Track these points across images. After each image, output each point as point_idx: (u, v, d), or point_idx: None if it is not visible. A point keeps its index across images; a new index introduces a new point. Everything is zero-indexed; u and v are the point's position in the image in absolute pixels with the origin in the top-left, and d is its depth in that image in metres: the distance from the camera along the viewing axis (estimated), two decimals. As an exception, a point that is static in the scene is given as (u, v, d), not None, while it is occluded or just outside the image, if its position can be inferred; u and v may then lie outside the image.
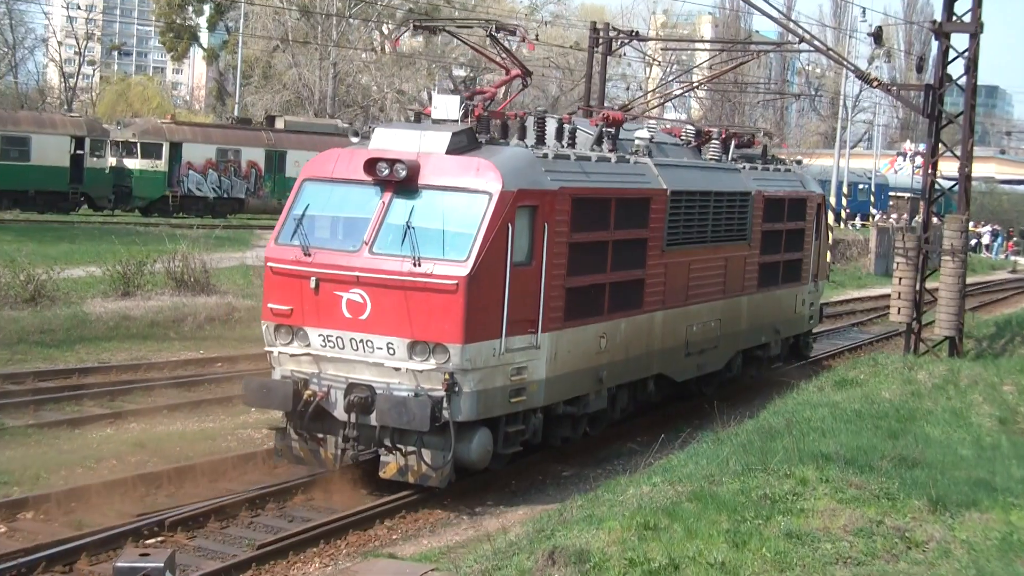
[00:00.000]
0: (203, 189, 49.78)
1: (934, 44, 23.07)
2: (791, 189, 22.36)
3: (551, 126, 16.08)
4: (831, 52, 26.81)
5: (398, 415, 13.36)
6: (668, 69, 75.57)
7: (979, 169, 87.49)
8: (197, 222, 42.15)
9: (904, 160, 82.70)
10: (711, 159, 20.16)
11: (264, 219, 50.35)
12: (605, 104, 36.75)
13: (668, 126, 21.03)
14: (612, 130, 17.27)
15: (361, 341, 13.72)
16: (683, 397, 19.90)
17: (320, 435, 14.25)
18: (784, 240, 22.05)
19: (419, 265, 13.49)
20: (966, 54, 22.48)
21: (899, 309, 22.30)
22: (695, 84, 33.76)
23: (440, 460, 13.68)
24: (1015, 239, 71.39)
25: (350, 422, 13.83)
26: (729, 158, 20.68)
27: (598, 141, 16.95)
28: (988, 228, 71.22)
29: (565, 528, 11.07)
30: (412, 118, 15.68)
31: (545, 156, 14.98)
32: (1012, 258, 65.92)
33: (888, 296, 24.81)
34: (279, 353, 14.22)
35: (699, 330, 18.82)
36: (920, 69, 27.90)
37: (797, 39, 23.50)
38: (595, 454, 16.95)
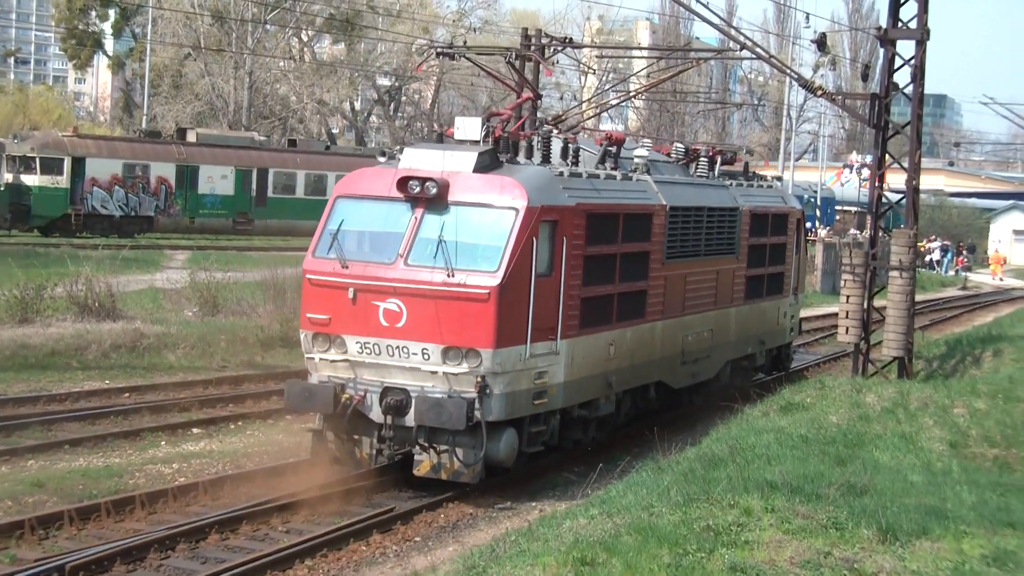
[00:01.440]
0: (109, 207, 49.19)
1: (880, 52, 23.44)
2: (773, 204, 24.37)
3: (556, 145, 18.09)
4: (774, 60, 27.13)
5: (436, 415, 15.17)
6: (604, 78, 76.17)
7: (928, 181, 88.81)
8: (102, 242, 41.55)
9: (851, 172, 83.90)
10: (698, 176, 22.01)
11: (175, 239, 49.88)
12: (538, 114, 36.83)
13: (654, 144, 22.93)
14: (614, 149, 19.15)
15: (397, 347, 15.58)
16: (673, 405, 21.46)
17: (356, 436, 15.97)
18: (768, 254, 24.03)
19: (452, 276, 15.41)
20: (912, 61, 22.85)
21: (847, 329, 22.56)
22: (632, 93, 33.96)
23: (472, 458, 15.52)
24: (964, 254, 72.56)
25: (386, 423, 15.63)
26: (715, 175, 22.58)
27: (602, 160, 18.86)
28: (938, 243, 72.36)
29: (497, 564, 11.03)
30: (435, 138, 17.49)
31: (561, 174, 17.05)
32: (962, 274, 66.98)
33: (835, 315, 25.09)
34: (318, 359, 15.95)
35: (693, 340, 20.81)
36: (865, 77, 28.43)
37: (739, 46, 23.76)
38: (530, 485, 16.96)
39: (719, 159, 22.89)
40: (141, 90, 71.87)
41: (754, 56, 25.80)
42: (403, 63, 78.62)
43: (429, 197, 15.82)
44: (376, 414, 15.74)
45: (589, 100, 52.82)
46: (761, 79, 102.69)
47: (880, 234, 23.94)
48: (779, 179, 25.91)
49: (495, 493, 16.38)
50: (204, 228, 52.17)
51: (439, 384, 15.45)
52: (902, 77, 23.23)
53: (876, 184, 23.40)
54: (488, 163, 16.33)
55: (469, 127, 16.86)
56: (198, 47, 68.39)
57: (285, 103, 74.71)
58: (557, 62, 54.88)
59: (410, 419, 15.58)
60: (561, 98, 72.30)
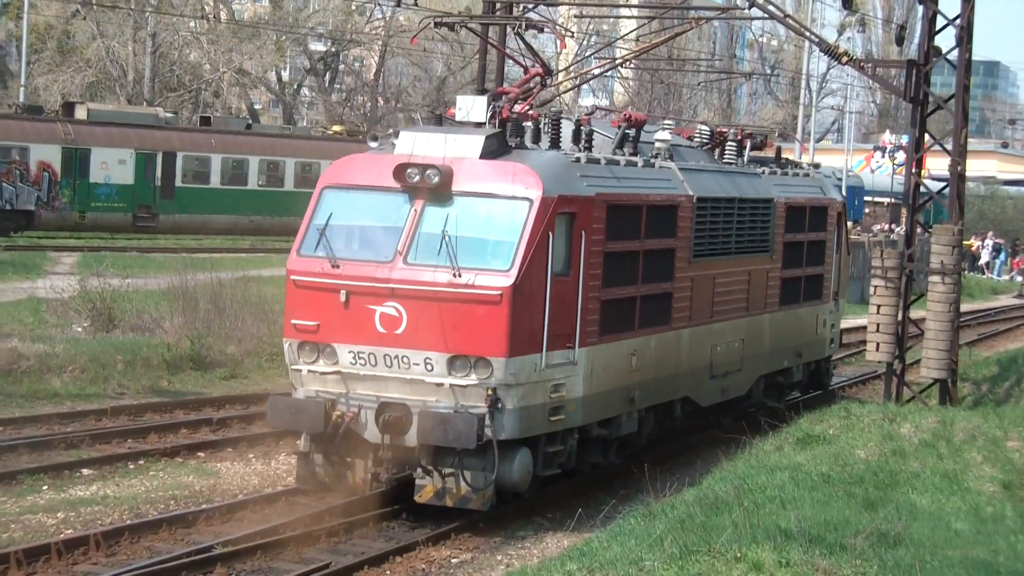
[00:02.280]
0: (-22, 199, 48.86)
1: (919, 9, 23.63)
2: (811, 196, 24.88)
3: (567, 128, 18.64)
4: (790, 20, 27.31)
5: (442, 432, 15.62)
6: (585, 42, 76.23)
7: (976, 167, 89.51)
8: (-30, 242, 41.33)
9: (883, 156, 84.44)
10: (726, 163, 22.63)
11: (62, 238, 49.63)
12: (504, 85, 36.87)
13: (677, 127, 23.69)
14: (633, 132, 19.65)
15: (396, 357, 16.14)
16: (697, 428, 22.09)
17: (348, 459, 16.54)
18: (806, 253, 24.49)
19: (459, 276, 15.97)
20: (958, 21, 23.05)
21: (877, 345, 22.72)
22: (618, 61, 34.07)
23: (482, 481, 16.02)
24: (1021, 255, 72.90)
25: (384, 443, 16.16)
26: (744, 161, 23.16)
27: (620, 144, 19.37)
28: (989, 241, 72.85)
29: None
30: (432, 120, 18.22)
31: (578, 160, 17.62)
32: (1018, 279, 67.31)
33: (863, 329, 25.24)
34: (307, 372, 16.53)
35: (723, 351, 21.38)
36: (901, 41, 28.60)
37: (747, 3, 23.91)
38: (494, 533, 16.97)
39: (748, 143, 23.49)
40: (17, 55, 71.53)
41: (766, 16, 25.97)
42: (341, 24, 78.60)
43: (430, 187, 16.38)
44: (372, 433, 16.27)
45: (567, 69, 52.91)
46: (775, 44, 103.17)
47: (918, 231, 24.11)
48: (816, 166, 26.60)
49: (450, 546, 16.38)
50: (97, 225, 51.91)
51: (444, 398, 16.06)
52: (945, 40, 23.43)
53: (913, 170, 23.57)
54: (496, 148, 16.89)
55: (473, 107, 17.38)
56: (88, 3, 68.15)
57: (196, 73, 74.45)
58: (490, 14, 54.94)
59: (411, 438, 16.09)
60: (533, 66, 72.53)
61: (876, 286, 22.84)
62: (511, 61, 25.22)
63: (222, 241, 52.15)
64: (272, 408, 16.75)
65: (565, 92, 56.85)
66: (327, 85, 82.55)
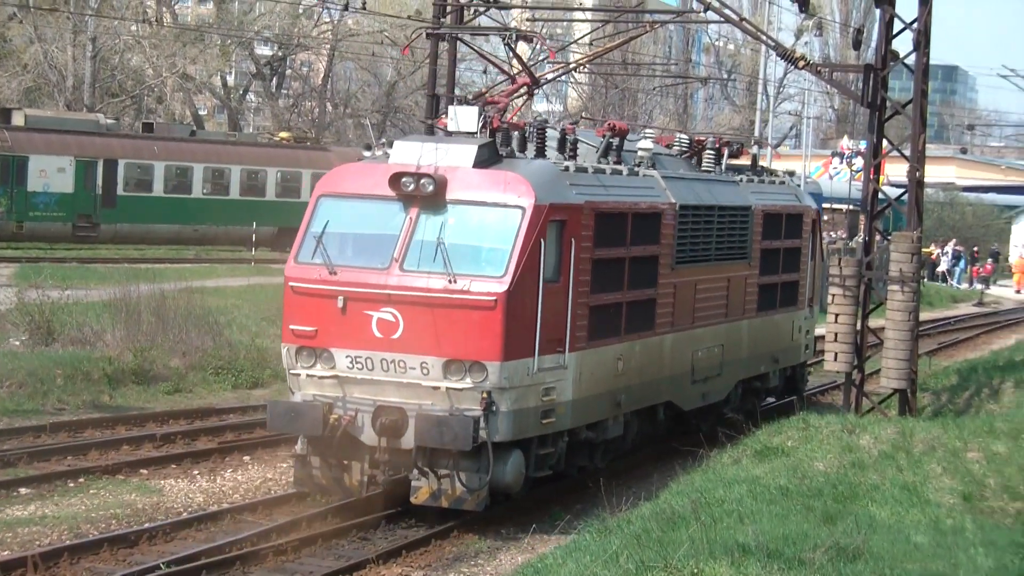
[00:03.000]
0: (-91, 208, 48.41)
1: (876, 13, 23.78)
2: (787, 203, 25.93)
3: (552, 137, 19.82)
4: (746, 23, 27.45)
5: (439, 434, 16.59)
6: (538, 46, 76.13)
7: (936, 172, 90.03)
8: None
9: (841, 162, 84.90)
10: (705, 171, 23.62)
11: (-1, 248, 49.24)
12: (455, 91, 36.90)
13: (657, 134, 24.52)
14: (617, 141, 20.77)
15: (393, 361, 17.14)
16: (679, 432, 22.70)
17: (344, 461, 17.56)
18: (782, 260, 25.46)
19: (455, 282, 17.00)
20: (915, 25, 23.20)
21: (836, 355, 22.83)
22: (572, 65, 34.15)
23: (476, 482, 16.99)
24: (980, 261, 73.44)
25: (380, 446, 17.15)
26: (723, 169, 24.13)
27: (604, 153, 20.47)
28: (949, 248, 73.37)
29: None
30: (425, 130, 19.57)
31: (567, 169, 18.67)
32: (978, 287, 67.86)
33: (821, 338, 25.35)
34: (305, 376, 17.50)
35: (704, 356, 22.36)
36: (858, 45, 28.70)
37: (702, 6, 23.99)
38: (444, 552, 16.95)
39: (726, 151, 24.42)
40: (-46, 60, 71.01)
41: (722, 19, 26.08)
42: (288, 27, 78.38)
43: (425, 195, 17.42)
44: (368, 436, 17.26)
45: (519, 74, 52.70)
46: (731, 48, 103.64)
47: (877, 238, 24.24)
48: (791, 174, 27.59)
49: (402, 563, 16.36)
50: (35, 235, 51.55)
51: (439, 401, 17.02)
52: (903, 44, 23.61)
53: (871, 176, 23.71)
54: (488, 157, 17.94)
55: (464, 117, 18.48)
56: (25, 5, 67.65)
57: (139, 77, 74.08)
58: (478, 26, 54.92)
59: (407, 440, 17.05)
60: (485, 71, 72.51)
61: (834, 294, 22.94)
62: (462, 66, 25.49)
63: (166, 251, 51.94)
64: (271, 412, 17.59)
65: (517, 97, 56.91)
66: (274, 90, 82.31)
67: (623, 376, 19.62)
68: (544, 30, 74.89)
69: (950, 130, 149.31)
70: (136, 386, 25.88)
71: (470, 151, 17.78)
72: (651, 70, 75.04)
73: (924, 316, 42.95)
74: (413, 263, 17.27)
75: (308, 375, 17.52)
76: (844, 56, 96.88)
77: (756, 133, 70.94)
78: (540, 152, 19.15)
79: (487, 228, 17.42)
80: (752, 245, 23.88)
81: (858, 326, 23.16)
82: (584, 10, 46.93)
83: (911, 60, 23.48)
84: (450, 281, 17.01)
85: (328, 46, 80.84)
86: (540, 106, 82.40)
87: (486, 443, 16.82)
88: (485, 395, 16.86)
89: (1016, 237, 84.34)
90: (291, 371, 17.75)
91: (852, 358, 22.90)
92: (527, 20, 44.48)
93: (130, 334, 27.60)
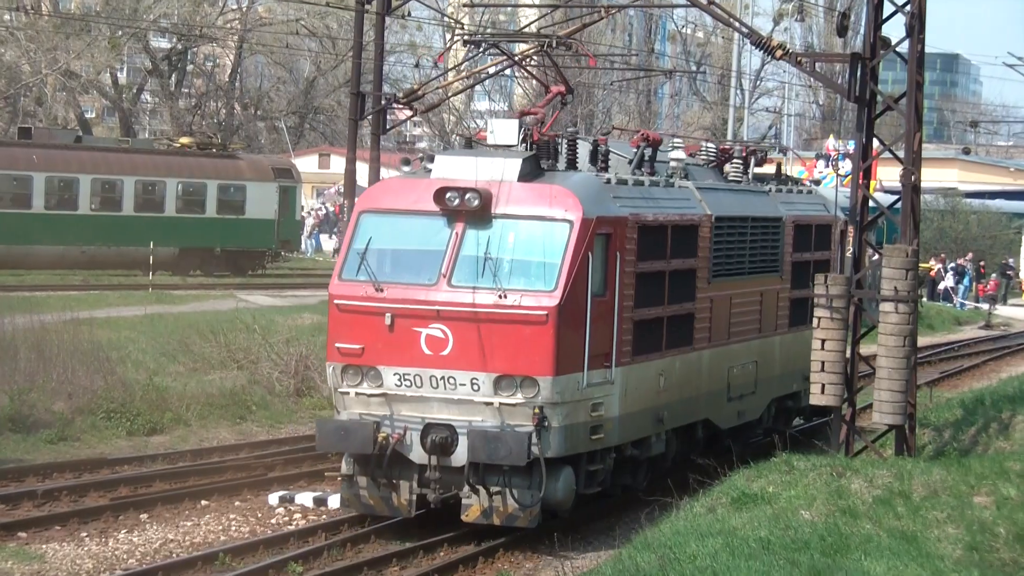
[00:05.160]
0: None
1: (862, -5, 23.89)
2: (816, 213, 28.16)
3: (583, 149, 21.97)
4: (716, 8, 27.49)
5: (494, 450, 18.75)
6: (479, 35, 76.19)
7: (935, 176, 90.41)
8: None
9: (826, 165, 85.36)
10: (732, 180, 25.92)
11: None
12: (383, 87, 36.92)
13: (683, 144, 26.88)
14: (650, 152, 23.04)
15: (442, 378, 19.39)
16: (714, 451, 24.00)
17: (393, 480, 19.62)
18: (812, 272, 26.44)
19: (505, 297, 19.30)
20: (908, 8, 23.33)
21: (823, 387, 22.85)
22: (518, 57, 34.20)
23: (529, 499, 19.24)
24: (988, 277, 73.75)
25: (430, 464, 19.29)
26: (750, 179, 26.42)
27: (639, 164, 22.80)
28: (951, 264, 73.75)
29: None
30: (465, 144, 22.23)
31: (608, 182, 21.06)
32: (983, 306, 68.15)
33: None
34: (353, 394, 19.70)
35: (739, 373, 24.73)
36: (843, 32, 28.79)
37: (664, -11, 24.10)
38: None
39: (752, 160, 26.56)
40: None
41: (688, 3, 26.15)
42: (189, 16, 78.15)
43: (470, 210, 19.68)
44: (417, 454, 19.49)
45: (457, 67, 52.94)
46: (701, 36, 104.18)
47: (868, 252, 24.33)
48: (817, 183, 28.77)
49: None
50: None
51: (489, 417, 19.28)
52: (895, 30, 23.70)
53: (860, 181, 23.81)
54: (532, 170, 20.30)
55: (504, 130, 20.93)
56: None
57: (13, 76, 73.62)
58: (409, 13, 55.05)
59: (457, 458, 19.30)
60: (417, 65, 72.60)
61: (820, 317, 22.95)
62: (391, 59, 26.19)
63: (47, 277, 51.48)
64: (320, 431, 19.90)
65: (456, 94, 56.94)
66: (173, 89, 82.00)
67: (665, 392, 21.97)
68: (485, 16, 75.07)
69: (951, 128, 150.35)
70: (13, 434, 25.63)
71: (514, 165, 20.06)
72: (608, 62, 75.15)
73: (923, 341, 43.10)
74: (461, 278, 19.54)
75: (358, 393, 19.68)
76: (829, 44, 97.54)
77: (730, 133, 71.38)
78: (571, 164, 21.35)
79: (535, 242, 19.68)
80: (784, 258, 26.21)
81: (848, 353, 23.20)
82: (531, -6, 47.03)
83: (904, 48, 23.56)
84: (500, 296, 19.31)
85: (236, 37, 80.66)
86: (482, 104, 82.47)
87: (539, 459, 18.89)
88: (537, 410, 19.01)
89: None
90: (338, 390, 19.91)
91: (841, 390, 22.92)
92: (464, 5, 44.47)
93: (5, 374, 27.36)
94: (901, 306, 22.53)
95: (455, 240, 19.76)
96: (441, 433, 19.32)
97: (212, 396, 29.06)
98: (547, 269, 19.48)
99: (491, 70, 43.27)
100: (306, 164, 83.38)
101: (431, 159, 20.87)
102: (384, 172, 49.84)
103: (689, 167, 24.52)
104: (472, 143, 21.99)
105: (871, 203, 23.87)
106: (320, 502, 22.50)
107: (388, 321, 19.54)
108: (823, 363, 22.87)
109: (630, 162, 22.92)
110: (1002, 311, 68.26)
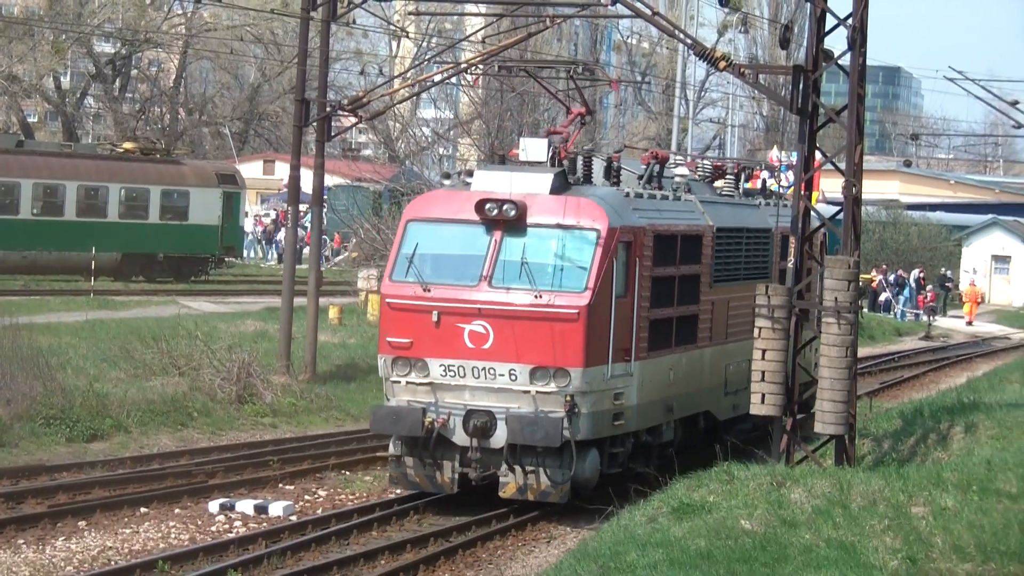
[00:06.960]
0: None
1: (807, 8, 23.96)
2: None
3: (598, 165, 24.93)
4: (660, 19, 27.52)
5: (531, 432, 21.54)
6: (425, 43, 76.42)
7: (876, 188, 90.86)
8: None
9: (770, 176, 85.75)
10: (726, 194, 28.61)
11: None
12: (328, 94, 36.82)
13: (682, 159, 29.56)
14: (658, 168, 25.83)
15: (483, 369, 22.25)
16: (711, 441, 26.11)
17: (437, 460, 22.30)
18: None
19: (540, 297, 22.20)
20: (850, 21, 23.40)
21: (763, 396, 22.90)
22: (465, 65, 34.23)
23: (560, 477, 21.99)
24: (928, 288, 74.12)
25: (472, 446, 22.07)
26: (741, 193, 29.22)
27: (648, 179, 25.57)
28: (892, 275, 74.15)
29: None
30: (498, 160, 25.07)
31: (628, 195, 23.97)
32: (923, 317, 68.49)
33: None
34: (404, 383, 22.45)
35: (734, 369, 27.50)
36: (786, 44, 28.90)
37: (610, -1, 24.07)
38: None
39: (743, 175, 29.32)
40: None
41: (632, 13, 26.17)
42: (134, 20, 77.77)
43: (508, 219, 22.54)
44: (460, 437, 22.23)
45: (403, 75, 52.91)
46: (646, 46, 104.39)
47: (809, 263, 24.39)
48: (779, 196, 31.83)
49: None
50: None
51: (525, 405, 22.04)
52: (838, 43, 23.79)
53: (802, 192, 23.88)
54: (561, 184, 23.19)
55: (535, 148, 23.88)
56: None
57: (-44, 79, 73.07)
58: (354, 21, 54.92)
59: (496, 440, 21.99)
60: (363, 72, 72.46)
61: (761, 327, 23.00)
62: (336, 66, 26.53)
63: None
64: (374, 416, 22.56)
65: (401, 102, 56.85)
66: (117, 94, 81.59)
67: (674, 385, 24.78)
68: (431, 25, 75.05)
69: (892, 140, 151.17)
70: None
71: (547, 179, 22.99)
72: (555, 72, 75.26)
73: (864, 351, 43.33)
74: (500, 280, 22.36)
75: (408, 382, 22.33)
76: (773, 56, 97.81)
77: (674, 144, 71.53)
78: (587, 178, 24.16)
79: (566, 248, 22.50)
80: (772, 265, 28.80)
81: (789, 363, 23.24)
82: (476, 2, 46.78)
83: (846, 61, 23.63)
84: (536, 296, 22.18)
85: (181, 42, 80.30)
86: (427, 112, 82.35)
87: (570, 441, 21.54)
88: (568, 398, 21.77)
89: (966, 261, 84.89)
90: (388, 379, 22.57)
91: (782, 400, 22.97)
92: (410, 13, 44.60)
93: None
94: (843, 318, 22.60)
95: (494, 246, 22.55)
96: (482, 418, 21.96)
97: (153, 403, 28.88)
98: (577, 272, 22.27)
99: (436, 78, 43.14)
100: (251, 170, 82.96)
101: (470, 174, 23.77)
102: (328, 179, 49.71)
103: (691, 182, 27.12)
104: (505, 160, 24.58)
105: (813, 214, 23.94)
106: (261, 510, 22.45)
107: (435, 318, 22.27)
108: (763, 373, 22.91)
109: (639, 177, 25.40)
110: (941, 322, 68.68)
